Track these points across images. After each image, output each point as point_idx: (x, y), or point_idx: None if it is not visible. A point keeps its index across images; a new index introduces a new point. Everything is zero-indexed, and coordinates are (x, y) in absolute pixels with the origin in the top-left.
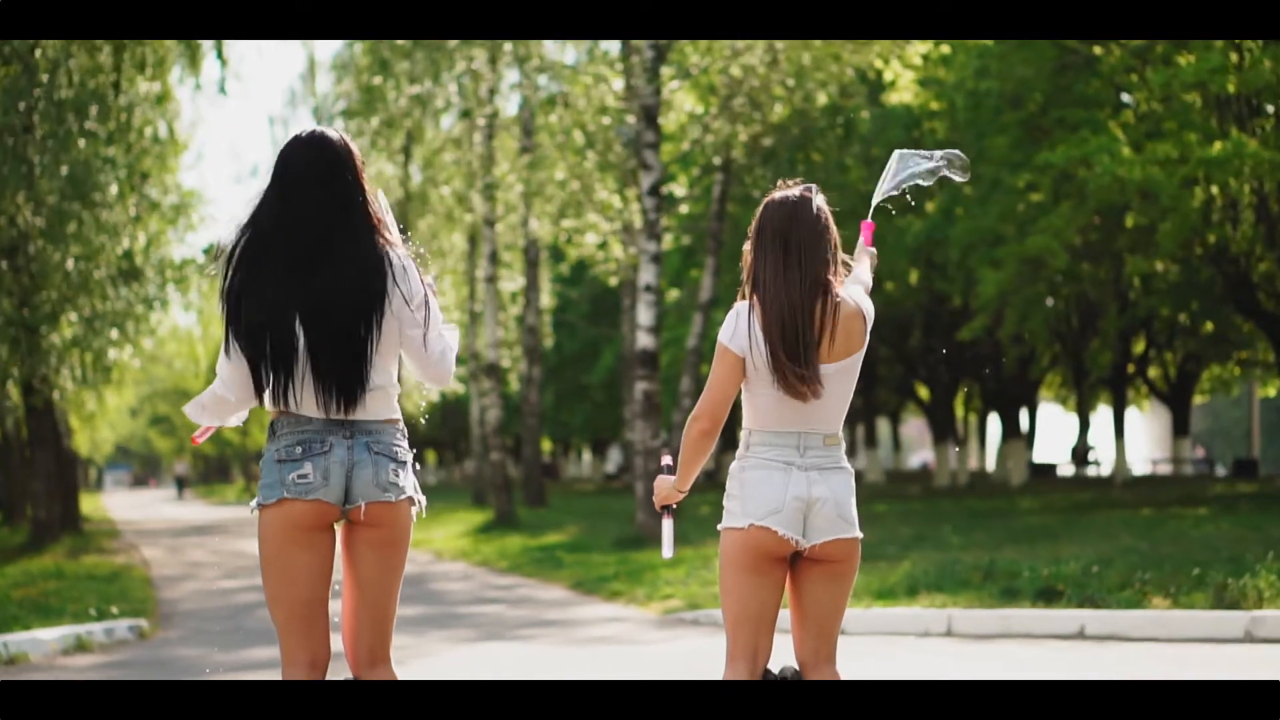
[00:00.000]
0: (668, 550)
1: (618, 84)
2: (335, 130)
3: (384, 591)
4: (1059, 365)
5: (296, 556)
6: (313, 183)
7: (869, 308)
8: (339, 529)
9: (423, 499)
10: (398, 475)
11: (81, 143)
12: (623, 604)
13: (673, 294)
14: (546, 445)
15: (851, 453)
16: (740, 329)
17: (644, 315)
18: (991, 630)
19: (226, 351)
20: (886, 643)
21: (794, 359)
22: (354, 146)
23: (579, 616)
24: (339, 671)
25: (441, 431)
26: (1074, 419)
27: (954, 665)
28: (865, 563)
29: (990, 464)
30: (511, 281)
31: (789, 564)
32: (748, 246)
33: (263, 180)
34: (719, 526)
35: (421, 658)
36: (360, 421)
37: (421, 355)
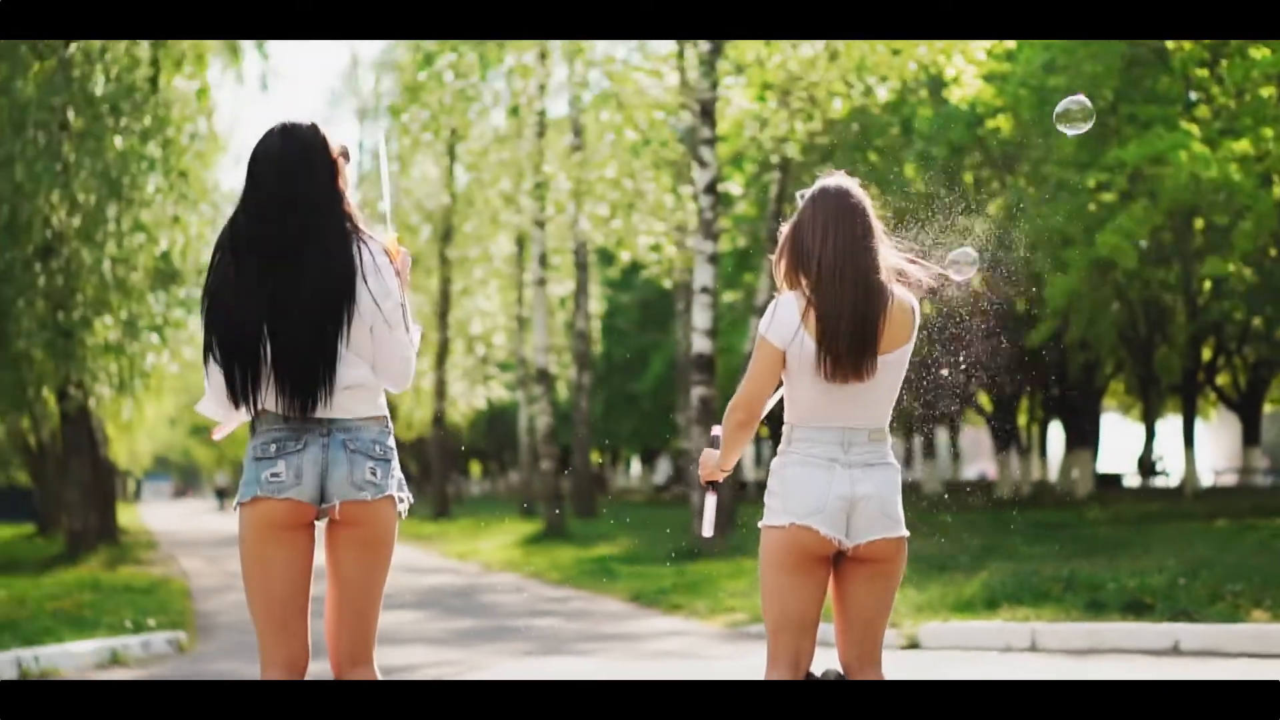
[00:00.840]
0: (708, 528)
1: (672, 79)
2: (308, 120)
3: (364, 591)
4: (1124, 372)
5: (272, 555)
6: (280, 178)
7: (915, 303)
8: (322, 528)
9: (406, 496)
10: (375, 474)
11: (118, 140)
12: (683, 617)
13: (726, 297)
14: (595, 456)
15: (908, 463)
16: (782, 320)
17: (700, 318)
18: (1079, 645)
19: (206, 355)
20: (968, 657)
21: (854, 347)
22: (330, 136)
23: (639, 630)
24: (322, 673)
25: (486, 442)
26: (1138, 428)
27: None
28: (938, 574)
29: (1053, 474)
30: (560, 285)
31: (832, 564)
32: (785, 238)
33: None
34: (760, 524)
35: (475, 671)
36: (339, 420)
37: (384, 354)
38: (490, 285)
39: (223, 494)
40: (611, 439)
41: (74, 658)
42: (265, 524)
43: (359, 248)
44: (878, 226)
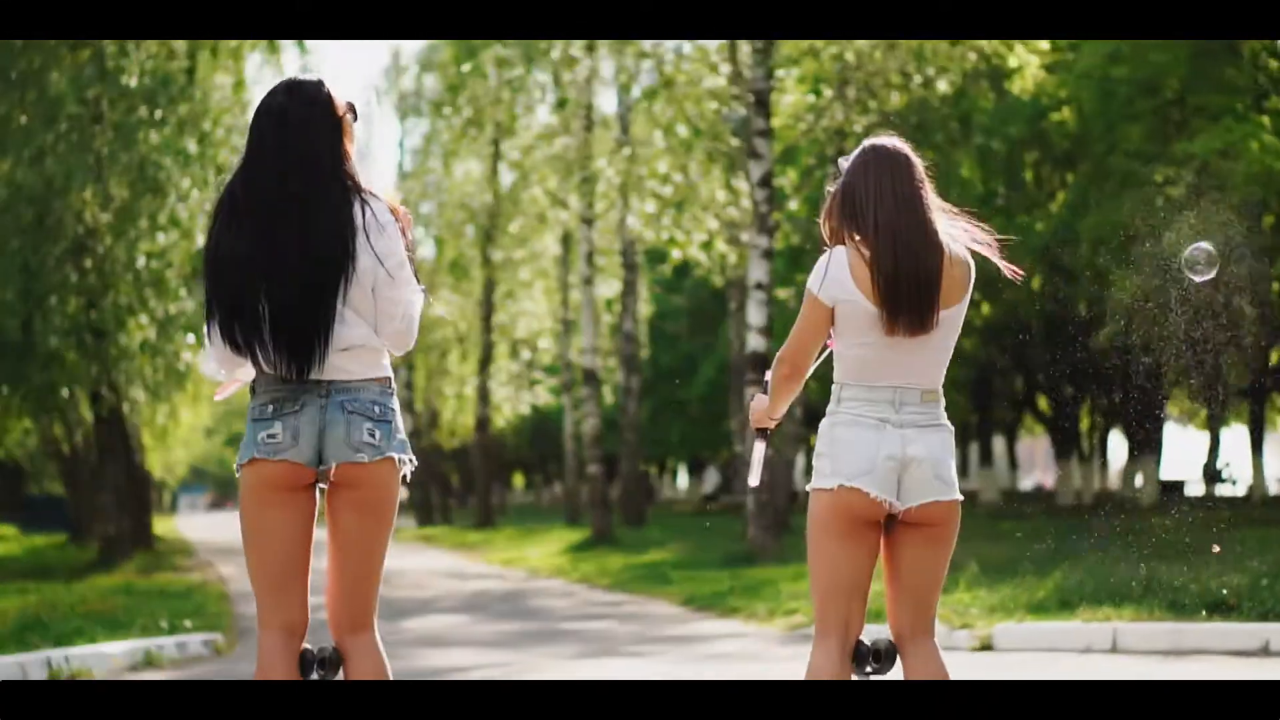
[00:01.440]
0: (755, 477)
1: (725, 69)
2: (314, 77)
3: (365, 555)
4: (1188, 377)
5: (270, 517)
6: (282, 134)
7: (971, 261)
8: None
9: (409, 458)
10: (373, 435)
11: (153, 134)
12: (742, 620)
13: (779, 294)
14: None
15: (964, 472)
16: (834, 276)
17: (754, 315)
18: (1162, 645)
19: (207, 315)
20: (1049, 659)
21: (916, 298)
22: (335, 94)
23: (696, 633)
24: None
25: (529, 453)
26: (1200, 436)
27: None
28: (1009, 576)
29: (1114, 482)
30: (607, 287)
31: (883, 529)
32: (834, 194)
33: None
34: (807, 487)
35: (526, 674)
36: (337, 381)
37: (386, 314)
38: (535, 287)
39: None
40: (658, 448)
41: (106, 659)
42: (263, 486)
43: (361, 206)
44: (929, 186)
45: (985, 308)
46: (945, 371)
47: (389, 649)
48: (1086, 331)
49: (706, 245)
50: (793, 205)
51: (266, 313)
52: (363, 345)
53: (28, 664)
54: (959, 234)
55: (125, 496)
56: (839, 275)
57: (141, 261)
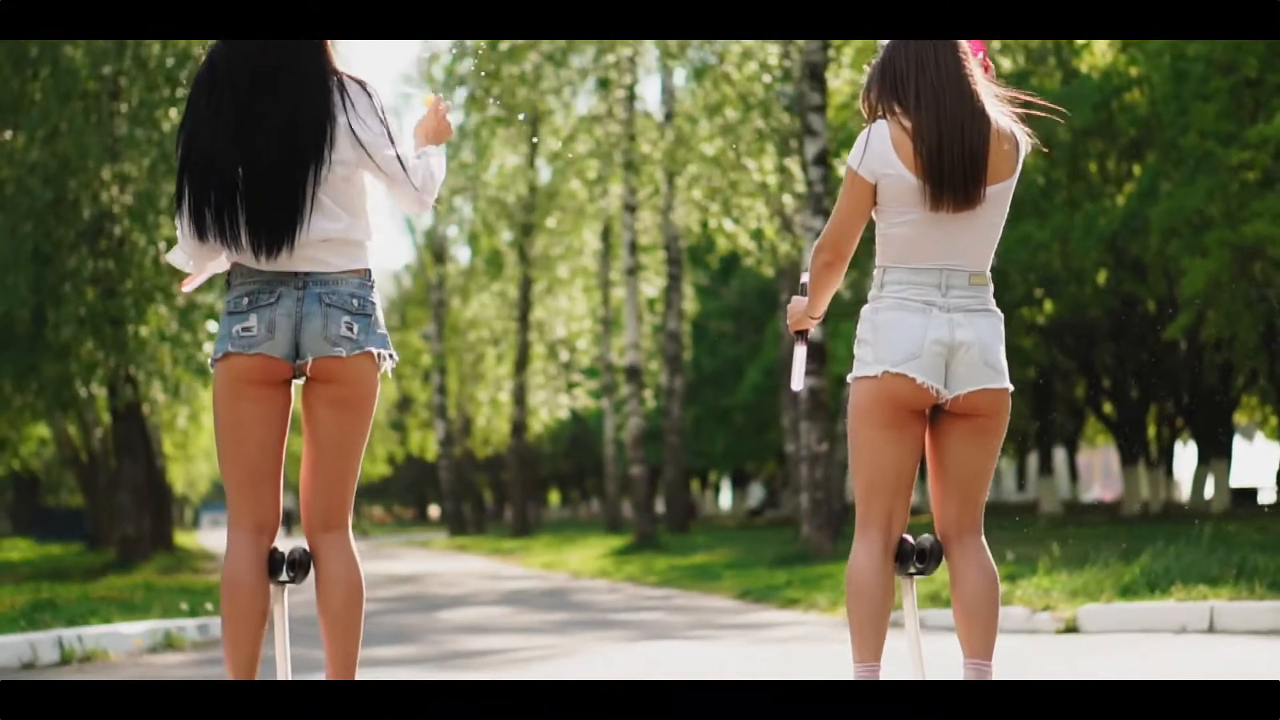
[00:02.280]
0: (797, 382)
1: (774, 45)
2: None
3: (340, 452)
4: (1261, 379)
5: (243, 413)
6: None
7: (1020, 134)
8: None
9: (389, 353)
10: (351, 329)
11: (173, 112)
12: (802, 610)
13: None
14: None
15: (1021, 485)
16: (875, 150)
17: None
18: (1265, 625)
19: (178, 199)
20: (1140, 640)
21: (961, 171)
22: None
23: (756, 620)
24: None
25: (566, 464)
26: (1269, 445)
27: (1228, 666)
28: (1088, 564)
29: (1183, 491)
30: (649, 286)
31: (928, 419)
32: (875, 69)
33: None
34: (849, 377)
35: (572, 656)
36: (315, 273)
37: (394, 172)
38: (574, 285)
39: (289, 517)
40: (700, 459)
41: (124, 640)
42: (237, 380)
43: (340, 91)
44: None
45: (1048, 305)
46: (993, 255)
47: (421, 636)
48: (1155, 328)
49: (757, 233)
50: None
51: (240, 195)
52: (342, 238)
53: (38, 643)
54: (1006, 110)
55: (144, 496)
56: (880, 149)
57: (161, 246)
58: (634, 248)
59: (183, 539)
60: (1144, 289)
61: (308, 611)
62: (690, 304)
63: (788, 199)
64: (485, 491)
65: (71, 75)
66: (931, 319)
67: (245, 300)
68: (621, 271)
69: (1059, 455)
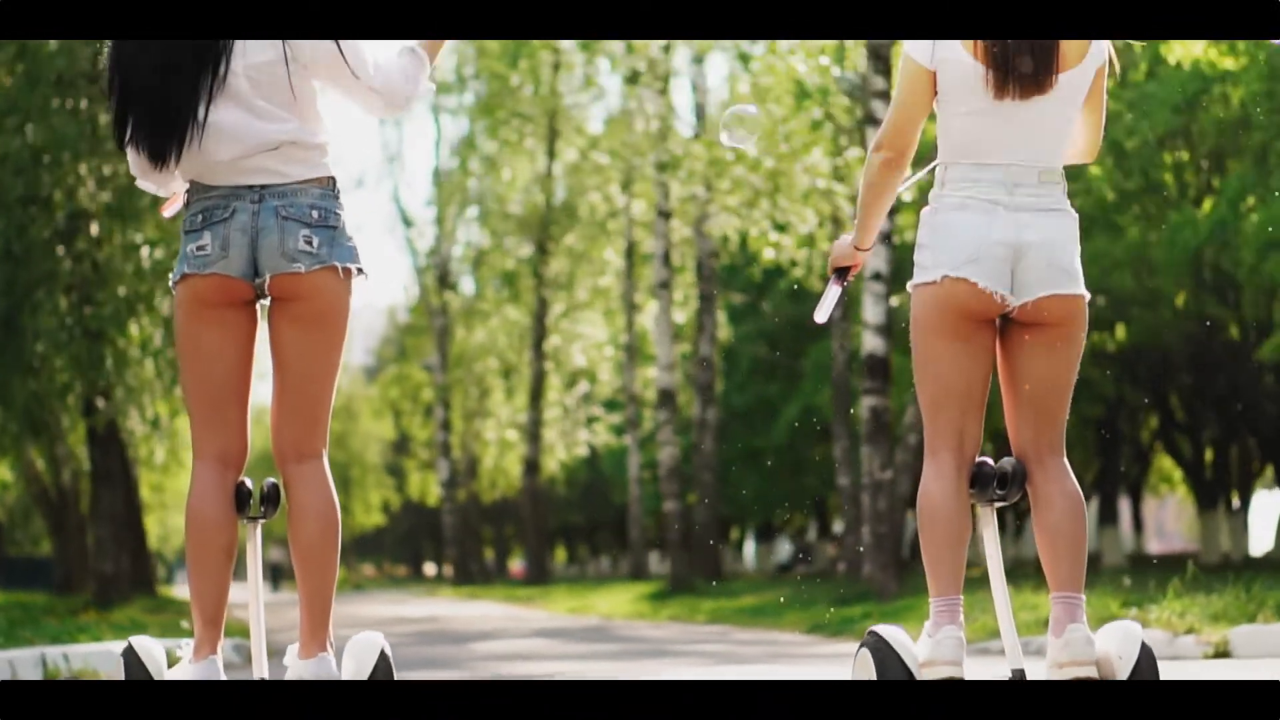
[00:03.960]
0: (822, 314)
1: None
2: None
3: (308, 374)
4: None
5: (203, 336)
6: None
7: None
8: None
9: (359, 267)
10: (310, 242)
11: None
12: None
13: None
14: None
15: None
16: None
17: (871, 311)
18: None
19: (113, 123)
20: None
21: (1028, 51)
22: None
23: (839, 651)
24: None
25: (576, 515)
26: None
27: None
28: (1226, 589)
29: (1264, 541)
30: (678, 308)
31: (997, 330)
32: None
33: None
34: (909, 286)
35: (650, 677)
36: (271, 185)
37: (332, 62)
38: (594, 308)
39: (277, 572)
40: (727, 506)
41: (114, 658)
42: (195, 303)
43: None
44: None
45: (1120, 331)
46: (1065, 150)
47: (458, 664)
48: (1240, 356)
49: (806, 241)
50: (904, 197)
51: (132, 96)
52: (292, 141)
53: (18, 661)
54: None
55: (124, 529)
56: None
57: (145, 251)
58: (667, 258)
59: (161, 590)
60: (1228, 311)
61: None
62: (721, 330)
63: (842, 201)
64: (488, 540)
65: (43, 59)
66: (996, 219)
67: (200, 218)
68: (653, 286)
69: (1123, 502)
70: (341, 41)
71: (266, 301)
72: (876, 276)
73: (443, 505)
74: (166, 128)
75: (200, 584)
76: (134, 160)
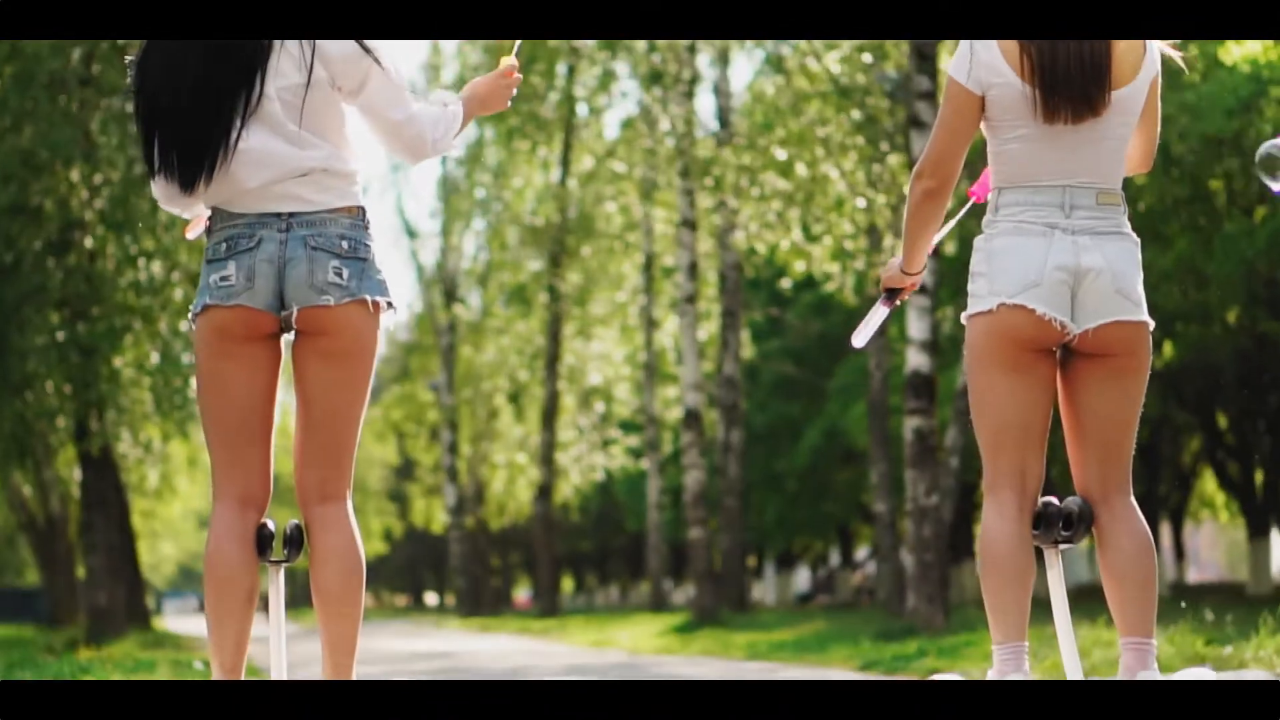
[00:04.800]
0: (861, 337)
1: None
2: None
3: (334, 411)
4: None
5: (225, 371)
6: None
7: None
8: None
9: (389, 300)
10: (340, 274)
11: None
12: (957, 675)
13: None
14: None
15: None
16: (980, 55)
17: (916, 327)
18: None
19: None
20: None
21: (1079, 73)
22: None
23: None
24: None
25: (586, 543)
26: None
27: None
28: None
29: None
30: (701, 324)
31: (1058, 361)
32: None
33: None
34: (963, 317)
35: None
36: (299, 213)
37: (383, 101)
38: (611, 324)
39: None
40: (748, 532)
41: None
42: (217, 336)
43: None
44: None
45: (1167, 348)
46: (1122, 169)
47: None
48: None
49: (839, 254)
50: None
51: (163, 116)
52: (324, 169)
53: None
54: None
55: (118, 559)
56: (986, 54)
57: (141, 264)
58: (693, 270)
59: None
60: None
61: None
62: (749, 349)
63: (878, 210)
64: (494, 567)
65: (34, 59)
66: (1054, 243)
67: (224, 246)
68: (677, 300)
69: (1163, 529)
70: (386, 68)
71: (289, 335)
72: (921, 289)
73: (449, 533)
74: (197, 152)
75: (220, 631)
76: (161, 186)
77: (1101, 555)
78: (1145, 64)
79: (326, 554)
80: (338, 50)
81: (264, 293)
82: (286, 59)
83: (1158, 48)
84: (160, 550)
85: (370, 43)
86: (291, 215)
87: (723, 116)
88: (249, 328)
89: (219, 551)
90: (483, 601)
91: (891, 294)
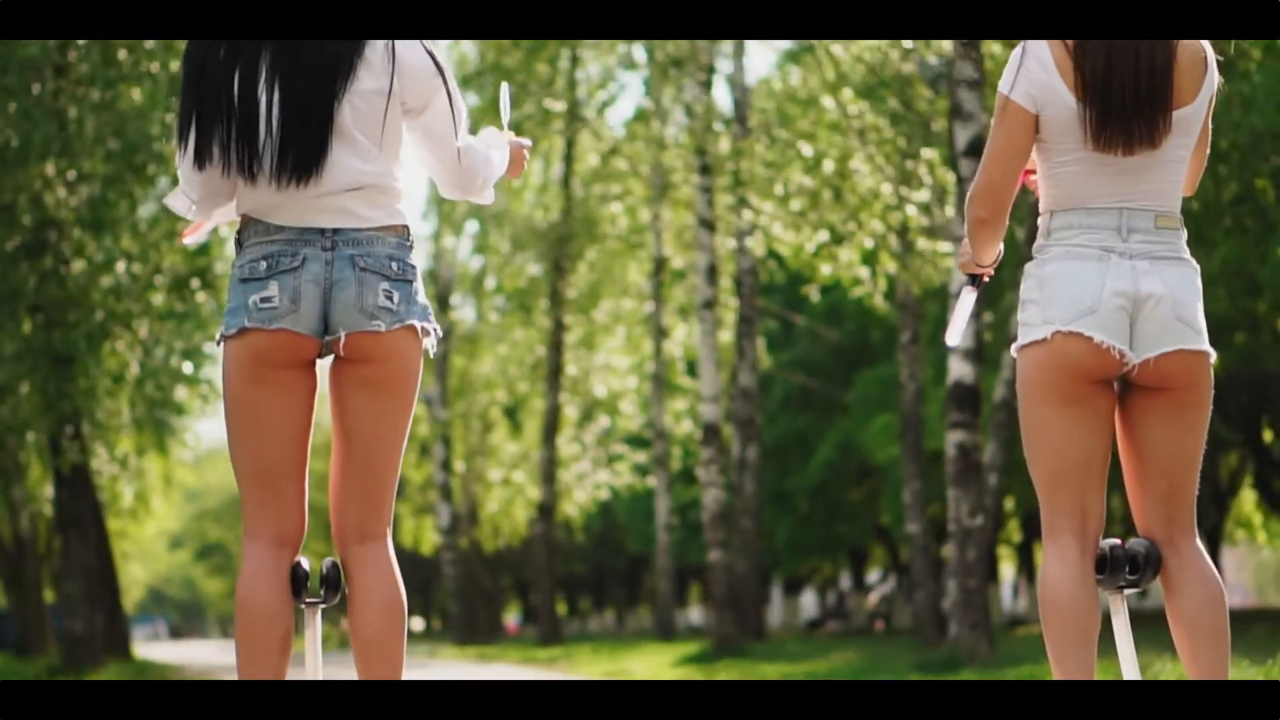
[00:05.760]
0: (954, 335)
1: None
2: None
3: (377, 445)
4: None
5: (261, 401)
6: None
7: (1207, 47)
8: (326, 368)
9: (433, 328)
10: (391, 297)
11: (135, 93)
12: None
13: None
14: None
15: (1144, 592)
16: (1031, 72)
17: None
18: None
19: (182, 123)
20: None
21: (1137, 100)
22: None
23: None
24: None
25: (581, 565)
26: None
27: None
28: None
29: None
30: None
31: (1116, 394)
32: None
33: None
34: (1013, 349)
35: None
36: (346, 230)
37: (442, 127)
38: (616, 334)
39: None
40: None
41: None
42: (255, 361)
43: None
44: None
45: (1215, 360)
46: (1183, 191)
47: None
48: None
49: (869, 256)
50: None
51: (264, 108)
52: (377, 184)
53: None
54: None
55: (96, 583)
56: (1038, 73)
57: (120, 266)
58: (713, 273)
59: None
60: None
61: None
62: (766, 357)
63: (912, 209)
64: (488, 598)
65: (6, 43)
66: (1110, 267)
67: (263, 264)
68: (695, 306)
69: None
70: (452, 92)
71: (324, 361)
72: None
73: (440, 554)
74: (304, 138)
75: (252, 677)
76: (206, 180)
77: (1169, 602)
78: (1206, 80)
79: (367, 596)
80: (412, 61)
81: (309, 316)
82: (363, 62)
83: (1214, 60)
84: (130, 572)
85: (441, 60)
86: (336, 232)
87: (739, 108)
88: (290, 353)
89: (253, 594)
90: (477, 628)
91: (974, 279)
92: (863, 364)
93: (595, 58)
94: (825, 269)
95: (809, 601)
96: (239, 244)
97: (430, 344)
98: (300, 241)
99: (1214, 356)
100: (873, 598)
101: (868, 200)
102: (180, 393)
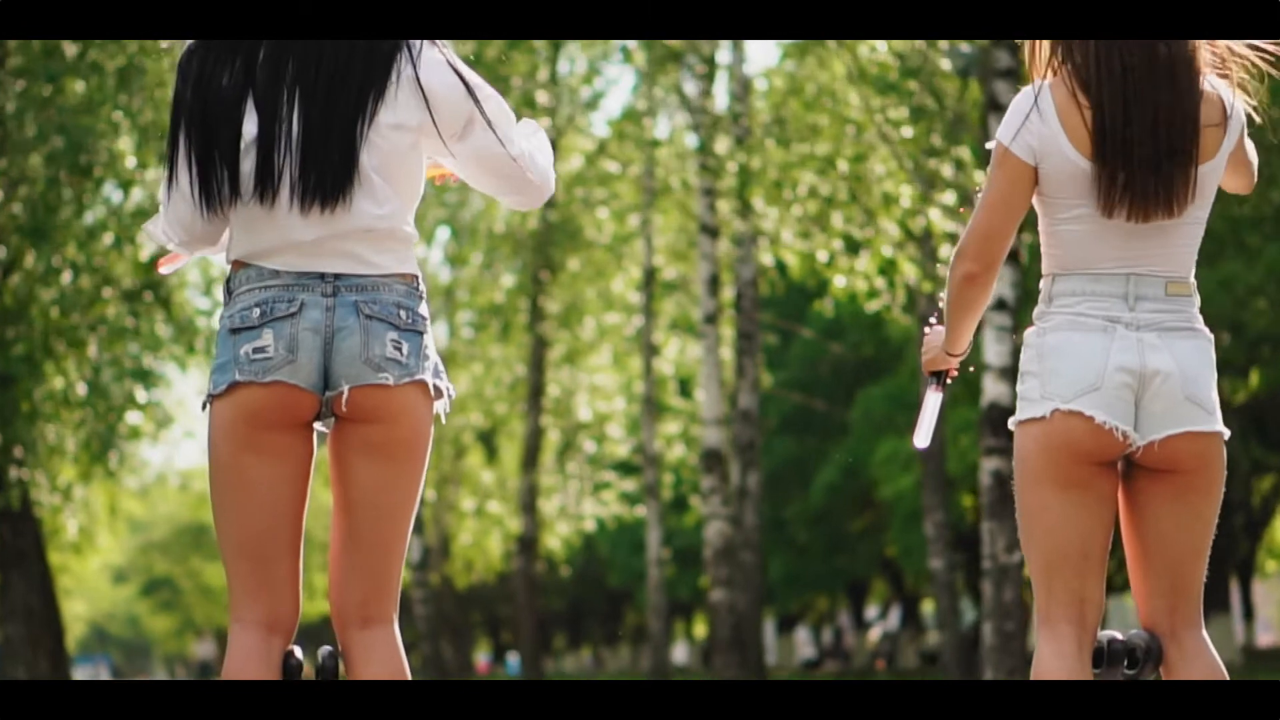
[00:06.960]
0: (922, 437)
1: None
2: None
3: (383, 517)
4: None
5: (252, 468)
6: None
7: (1228, 93)
8: (325, 430)
9: (446, 386)
10: (400, 349)
11: (79, 85)
12: None
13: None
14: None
15: None
16: (1033, 121)
17: (993, 351)
18: None
19: (171, 167)
20: None
21: (1156, 161)
22: None
23: None
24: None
25: (559, 601)
26: None
27: None
28: None
29: None
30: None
31: (1119, 475)
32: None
33: None
34: (1011, 423)
35: None
36: (349, 275)
37: (503, 136)
38: (603, 351)
39: (208, 673)
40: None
41: None
42: (247, 421)
43: (406, 47)
44: None
45: (1254, 377)
46: (1195, 256)
47: None
48: None
49: (888, 266)
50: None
51: (283, 132)
52: (389, 229)
53: None
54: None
55: (39, 626)
56: (1041, 123)
57: (66, 276)
58: (714, 284)
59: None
60: None
61: None
62: (767, 375)
63: (935, 215)
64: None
65: None
66: (1115, 340)
67: (256, 311)
68: (689, 319)
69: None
70: (483, 102)
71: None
72: (1000, 305)
73: (411, 591)
74: (329, 161)
75: None
76: (192, 214)
77: None
78: (1229, 129)
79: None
80: (438, 87)
81: (307, 368)
82: (383, 96)
83: (1241, 105)
84: (71, 609)
85: (469, 76)
86: (338, 277)
87: (740, 103)
88: (286, 411)
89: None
90: (445, 668)
91: (938, 377)
92: (865, 380)
93: (582, 49)
94: (839, 280)
95: (802, 639)
96: (228, 292)
97: (442, 406)
98: (298, 286)
99: (1227, 435)
100: (873, 635)
101: (885, 203)
102: (133, 417)
